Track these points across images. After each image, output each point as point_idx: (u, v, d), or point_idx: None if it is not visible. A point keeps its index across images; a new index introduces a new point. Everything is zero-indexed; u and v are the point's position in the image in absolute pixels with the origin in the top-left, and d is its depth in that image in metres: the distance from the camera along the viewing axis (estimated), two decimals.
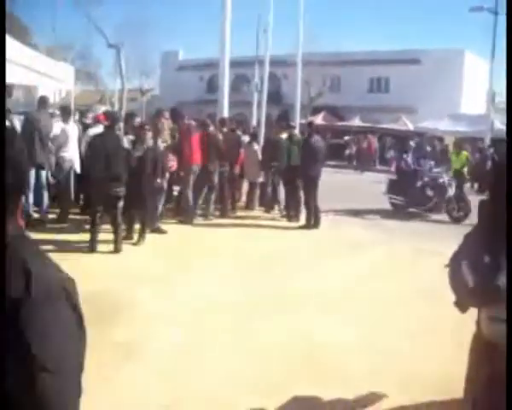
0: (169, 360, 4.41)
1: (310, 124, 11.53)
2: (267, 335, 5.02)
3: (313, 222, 10.58)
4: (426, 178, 13.32)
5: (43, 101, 9.47)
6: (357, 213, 12.78)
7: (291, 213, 11.36)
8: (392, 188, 13.67)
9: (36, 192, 9.08)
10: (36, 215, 9.04)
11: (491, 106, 27.84)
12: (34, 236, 7.86)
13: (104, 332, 4.68)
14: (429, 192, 13.18)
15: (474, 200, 3.76)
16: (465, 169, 15.83)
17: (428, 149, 26.97)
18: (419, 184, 13.25)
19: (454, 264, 3.26)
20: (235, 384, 4.05)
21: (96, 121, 9.77)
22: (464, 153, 16.26)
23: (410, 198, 13.23)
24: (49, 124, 9.33)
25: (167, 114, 10.48)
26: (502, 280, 2.90)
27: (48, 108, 9.73)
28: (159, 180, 8.53)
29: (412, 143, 30.78)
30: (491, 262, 3.00)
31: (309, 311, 5.74)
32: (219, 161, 10.66)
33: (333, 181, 15.97)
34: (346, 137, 33.80)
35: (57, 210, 9.56)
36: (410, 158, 14.70)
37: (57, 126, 9.60)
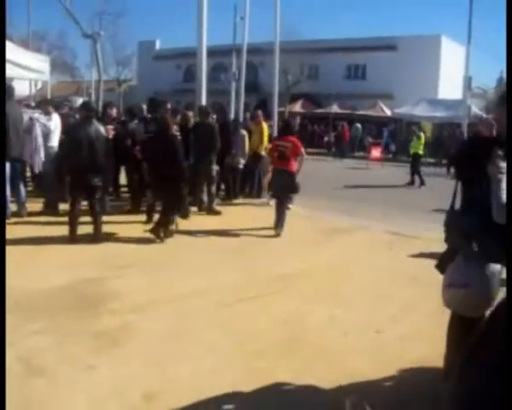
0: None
1: (202, 108, 11.26)
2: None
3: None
4: None
5: (8, 91, 8.75)
6: None
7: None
8: None
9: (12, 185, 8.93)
10: (14, 208, 8.90)
11: (468, 91, 28.05)
12: (15, 229, 7.80)
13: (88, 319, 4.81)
14: None
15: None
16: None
17: None
18: None
19: None
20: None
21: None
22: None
23: None
24: (20, 114, 9.08)
25: (169, 105, 10.52)
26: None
27: (14, 97, 9.14)
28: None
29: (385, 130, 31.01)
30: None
31: None
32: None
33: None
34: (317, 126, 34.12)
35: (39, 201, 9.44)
36: None
37: (42, 118, 9.43)
